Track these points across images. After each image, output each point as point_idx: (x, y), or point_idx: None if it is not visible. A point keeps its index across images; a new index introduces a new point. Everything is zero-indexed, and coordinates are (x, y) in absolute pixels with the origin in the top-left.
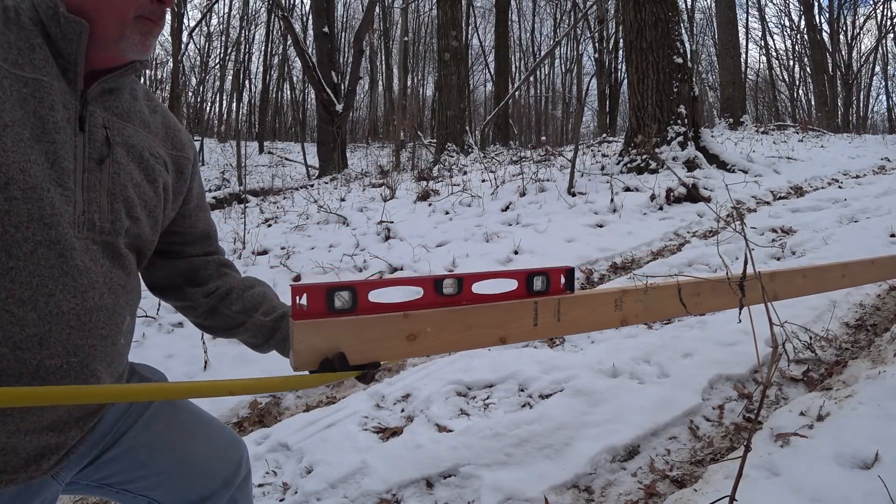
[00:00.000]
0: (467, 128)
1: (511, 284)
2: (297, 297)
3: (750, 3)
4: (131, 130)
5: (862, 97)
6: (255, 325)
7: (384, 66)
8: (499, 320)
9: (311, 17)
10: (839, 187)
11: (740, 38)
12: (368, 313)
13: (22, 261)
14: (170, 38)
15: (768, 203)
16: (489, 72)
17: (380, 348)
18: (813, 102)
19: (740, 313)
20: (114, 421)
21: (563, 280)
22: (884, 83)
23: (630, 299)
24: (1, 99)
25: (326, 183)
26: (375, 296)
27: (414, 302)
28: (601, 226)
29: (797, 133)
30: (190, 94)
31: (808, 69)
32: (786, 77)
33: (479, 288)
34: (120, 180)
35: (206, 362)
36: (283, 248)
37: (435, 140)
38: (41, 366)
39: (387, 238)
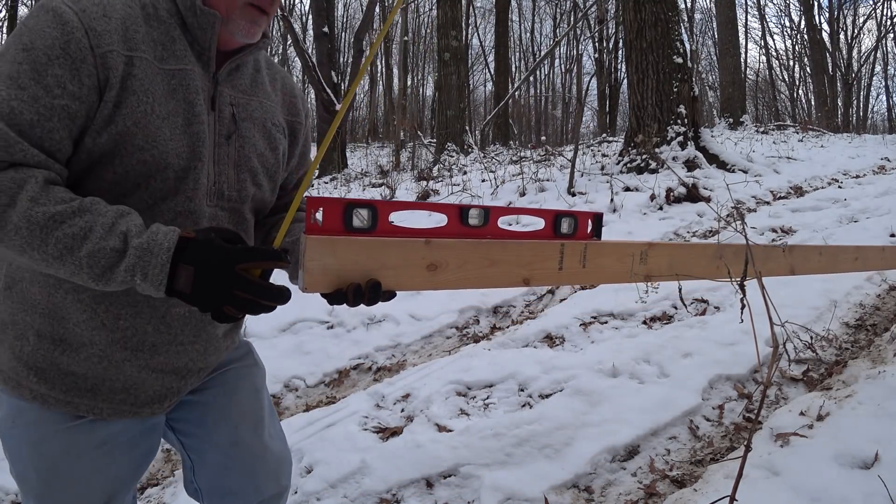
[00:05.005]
0: (467, 128)
1: (538, 224)
2: (313, 211)
3: (750, 3)
4: (255, 104)
5: (862, 97)
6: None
7: (384, 66)
8: (524, 259)
9: (311, 16)
10: (839, 187)
11: (740, 38)
12: (388, 236)
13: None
14: None
15: (768, 203)
16: (489, 72)
17: (397, 276)
18: (813, 102)
19: (741, 313)
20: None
21: (590, 225)
22: (884, 83)
23: (656, 254)
24: (156, 94)
25: (326, 183)
26: (396, 221)
27: (437, 229)
28: None
29: (797, 133)
30: None
31: (808, 69)
32: (786, 77)
33: (504, 224)
34: (245, 153)
35: None
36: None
37: (435, 140)
38: (167, 313)
39: None
